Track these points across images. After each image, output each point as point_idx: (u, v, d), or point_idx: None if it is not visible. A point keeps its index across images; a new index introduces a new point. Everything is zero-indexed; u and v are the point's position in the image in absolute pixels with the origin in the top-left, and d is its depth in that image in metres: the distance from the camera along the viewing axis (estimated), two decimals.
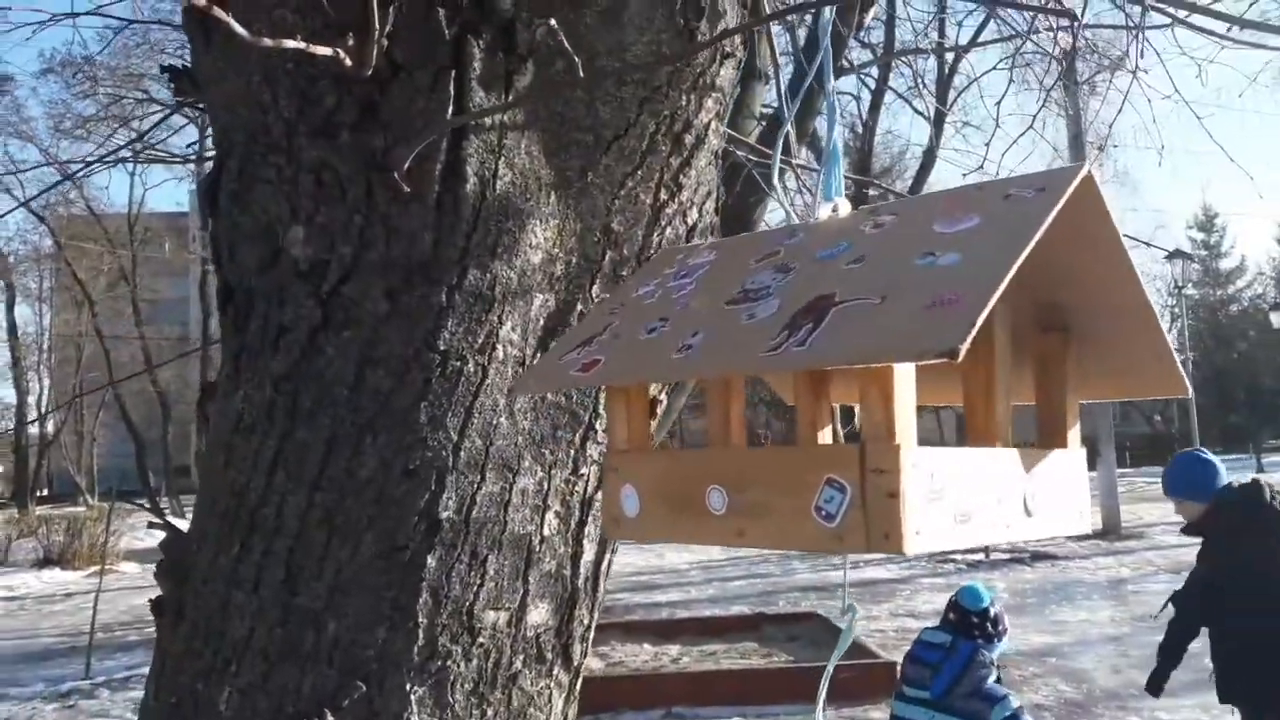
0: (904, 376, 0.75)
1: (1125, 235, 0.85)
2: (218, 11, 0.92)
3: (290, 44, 1.02)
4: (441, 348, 1.22)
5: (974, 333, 0.67)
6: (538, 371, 1.14)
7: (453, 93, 1.24)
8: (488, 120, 1.25)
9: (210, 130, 1.40)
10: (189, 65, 1.40)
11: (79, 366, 32.82)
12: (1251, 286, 44.63)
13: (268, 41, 0.99)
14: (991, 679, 3.29)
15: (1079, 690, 6.33)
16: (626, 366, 0.95)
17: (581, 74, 1.26)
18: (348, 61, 1.17)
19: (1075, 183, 0.80)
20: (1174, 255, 19.47)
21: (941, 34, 12.45)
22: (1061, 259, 0.85)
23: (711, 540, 0.89)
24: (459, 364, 1.23)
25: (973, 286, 0.72)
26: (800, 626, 9.13)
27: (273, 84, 1.24)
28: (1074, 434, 0.88)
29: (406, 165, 1.21)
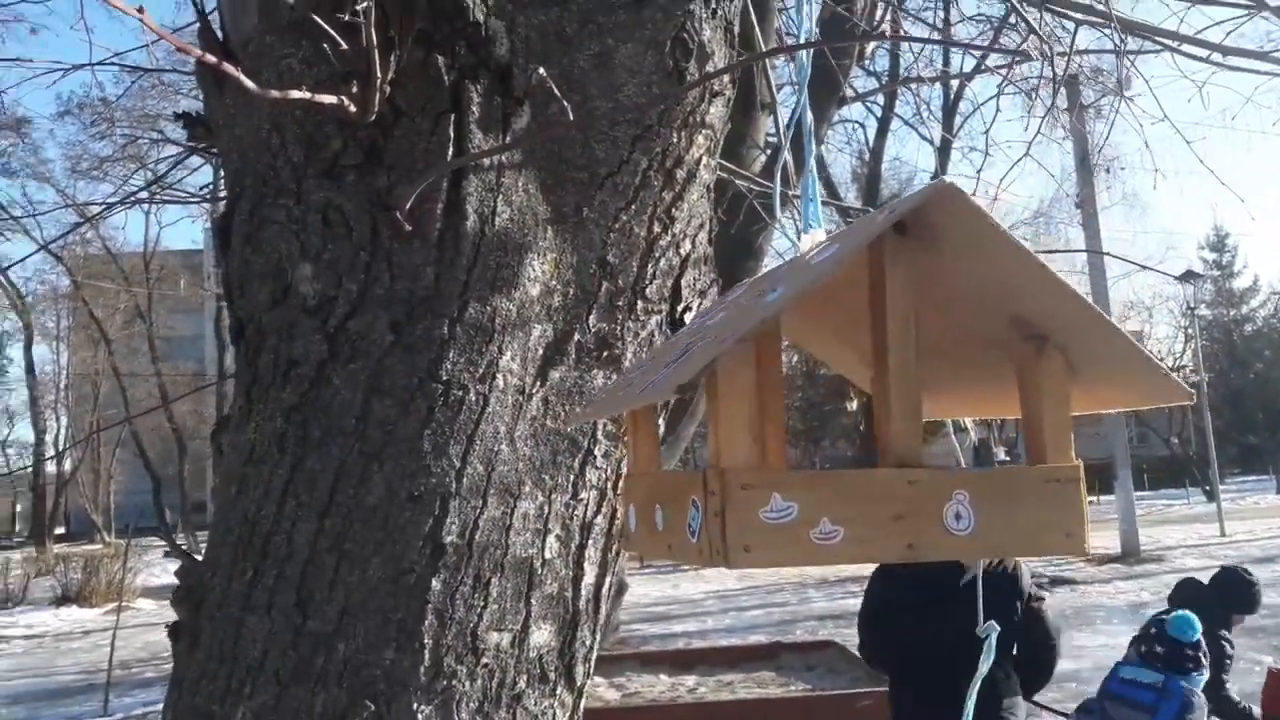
0: (729, 404, 0.82)
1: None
2: (227, 66, 0.98)
3: (296, 94, 1.08)
4: (444, 378, 1.27)
5: (699, 373, 0.78)
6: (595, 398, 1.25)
7: (452, 135, 1.30)
8: (486, 160, 1.31)
9: (223, 171, 1.46)
10: (202, 112, 1.46)
11: (96, 404, 33.06)
12: (1266, 305, 44.36)
13: (275, 93, 1.05)
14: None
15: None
16: (603, 402, 1.05)
17: (574, 115, 1.31)
18: (352, 108, 1.23)
19: (915, 202, 0.83)
20: (1185, 276, 19.40)
21: (946, 61, 12.55)
22: (989, 273, 0.88)
23: (659, 555, 1.01)
24: (461, 393, 1.28)
25: (747, 323, 0.80)
26: (818, 655, 9.07)
27: (281, 129, 1.30)
28: (1057, 449, 0.88)
29: (409, 204, 1.27)
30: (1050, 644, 3.54)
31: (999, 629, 0.96)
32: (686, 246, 1.48)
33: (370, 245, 1.29)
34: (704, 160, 1.49)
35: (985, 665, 0.99)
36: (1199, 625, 3.30)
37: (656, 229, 1.43)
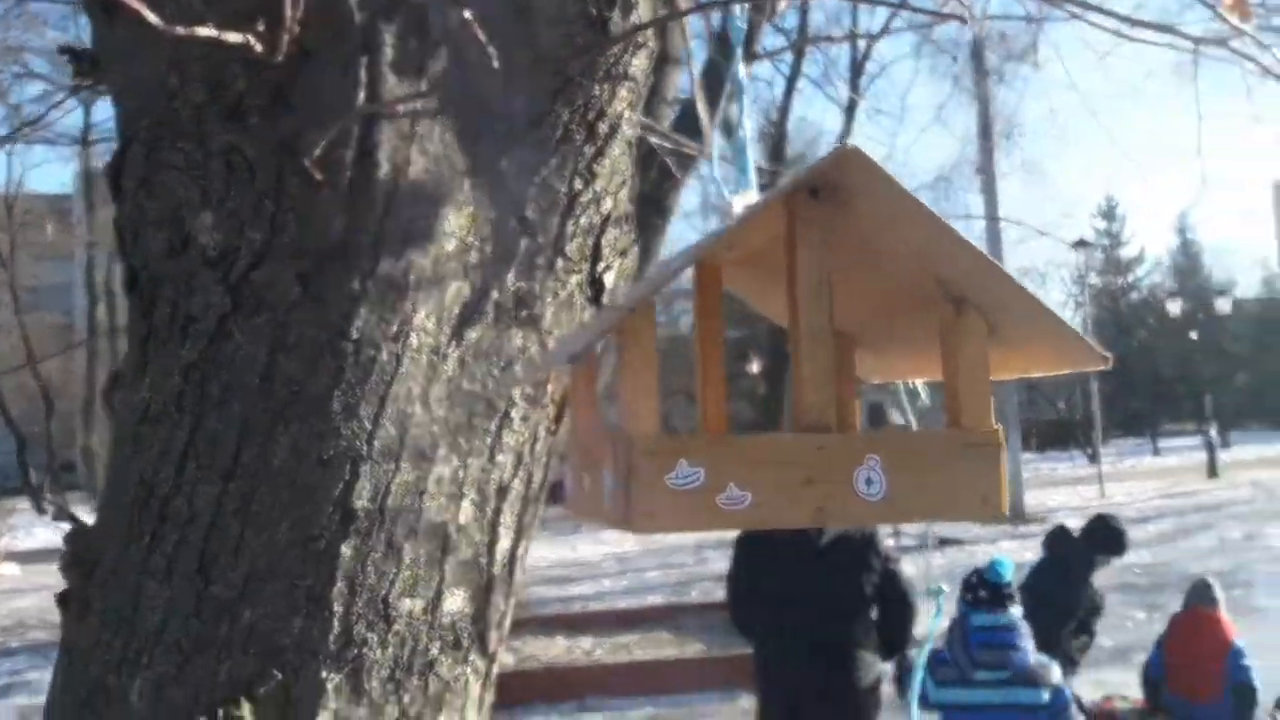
0: (636, 374, 0.81)
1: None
2: None
3: (204, 32, 1.00)
4: (355, 336, 1.22)
5: (589, 343, 0.80)
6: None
7: (364, 78, 1.24)
8: (400, 106, 1.25)
9: (100, 111, 1.36)
10: (89, 47, 1.36)
11: None
12: (1150, 275, 46.56)
13: (180, 30, 0.97)
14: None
15: None
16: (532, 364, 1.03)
17: (495, 63, 1.26)
18: (258, 47, 1.16)
19: (819, 166, 0.83)
20: (1078, 244, 20.17)
21: (854, 21, 12.70)
22: (901, 235, 0.89)
23: (585, 515, 1.01)
24: (373, 352, 1.23)
25: (642, 291, 0.79)
26: (715, 616, 9.25)
27: (181, 68, 1.21)
28: (972, 412, 0.87)
29: (318, 151, 1.21)
30: (908, 602, 3.68)
31: (946, 590, 0.97)
32: (608, 204, 1.44)
33: (275, 193, 1.22)
34: (626, 114, 1.46)
35: (936, 623, 1.00)
36: (1011, 566, 3.70)
37: (578, 185, 1.40)
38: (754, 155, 1.06)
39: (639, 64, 1.47)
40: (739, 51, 1.06)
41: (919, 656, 0.98)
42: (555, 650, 8.30)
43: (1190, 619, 5.31)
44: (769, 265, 1.05)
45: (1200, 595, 5.38)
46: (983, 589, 3.63)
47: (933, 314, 0.95)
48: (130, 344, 1.30)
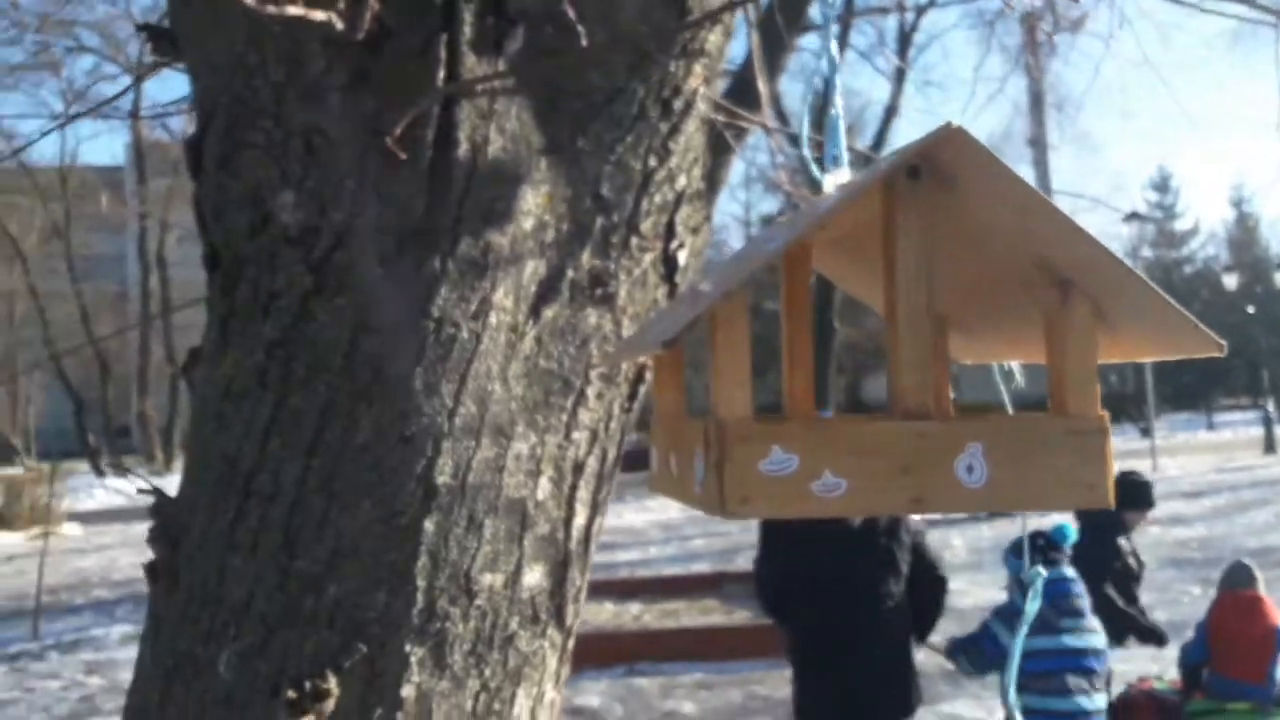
0: (725, 356, 0.80)
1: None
2: None
3: (291, 10, 1.00)
4: (435, 315, 1.23)
5: (684, 328, 0.74)
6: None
7: (444, 56, 1.23)
8: (480, 85, 1.24)
9: (193, 88, 1.37)
10: (167, 24, 1.37)
11: (12, 323, 31.95)
12: (1205, 248, 45.43)
13: (272, 8, 0.97)
14: None
15: None
16: (618, 350, 1.03)
17: (582, 40, 1.25)
18: (339, 25, 1.16)
19: (921, 146, 0.81)
20: (1131, 217, 19.77)
21: None
22: (1004, 216, 0.87)
23: (674, 496, 1.01)
24: (453, 331, 1.23)
25: (739, 275, 0.79)
26: None
27: (259, 46, 1.22)
28: (1079, 398, 0.85)
29: (399, 130, 1.21)
30: (937, 574, 3.66)
31: (1044, 575, 0.96)
32: (682, 181, 1.43)
33: (357, 173, 1.22)
34: (701, 91, 1.44)
35: (1033, 607, 0.99)
36: (1072, 532, 3.95)
37: (653, 162, 1.39)
38: (842, 131, 1.04)
39: (715, 40, 1.45)
40: (833, 26, 1.04)
41: (1014, 645, 0.97)
42: (604, 615, 8.38)
43: (1233, 601, 5.23)
44: (861, 247, 1.03)
45: (1241, 578, 5.30)
46: (1051, 550, 3.85)
47: (1032, 296, 0.93)
48: (210, 322, 1.31)
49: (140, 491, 1.32)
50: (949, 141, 0.81)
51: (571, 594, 1.36)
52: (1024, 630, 1.08)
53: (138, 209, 29.16)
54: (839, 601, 3.51)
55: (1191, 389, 39.77)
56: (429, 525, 1.20)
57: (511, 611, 1.27)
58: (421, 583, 1.20)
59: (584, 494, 1.36)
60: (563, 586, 1.34)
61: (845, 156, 1.02)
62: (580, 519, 1.36)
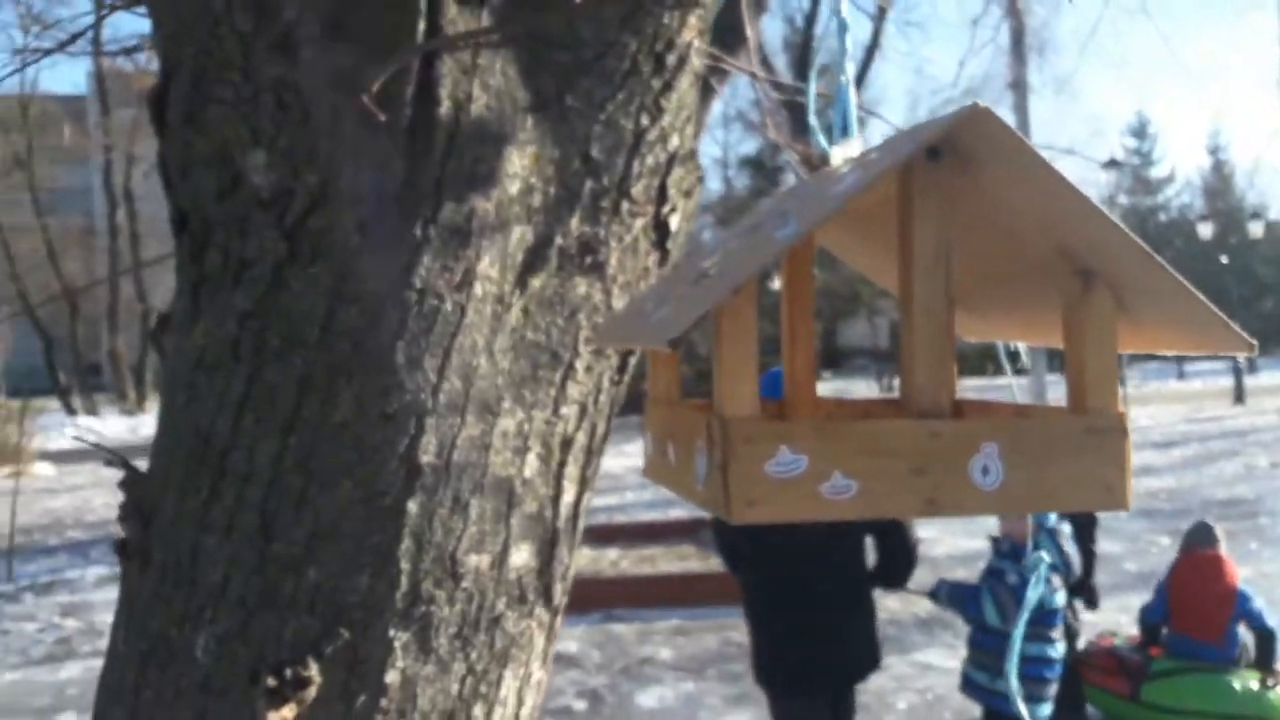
0: (734, 352, 0.76)
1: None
2: None
3: None
4: (418, 285, 1.16)
5: (692, 326, 0.71)
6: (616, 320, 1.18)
7: (424, 6, 1.15)
8: (464, 40, 1.16)
9: (155, 36, 1.28)
10: None
11: None
12: (1180, 196, 45.44)
13: None
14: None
15: None
16: (614, 328, 1.00)
17: None
18: None
19: (945, 127, 0.76)
20: (1110, 164, 19.75)
21: None
22: (1029, 200, 0.82)
23: (672, 488, 0.96)
24: (436, 302, 1.17)
25: (749, 267, 0.74)
26: None
27: None
28: (1099, 395, 0.81)
29: (376, 86, 1.13)
30: (902, 523, 3.65)
31: (1047, 560, 0.93)
32: (675, 141, 1.36)
33: (331, 133, 1.14)
34: (695, 44, 1.37)
35: (1034, 594, 0.96)
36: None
37: (645, 121, 1.31)
38: (853, 97, 0.98)
39: None
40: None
41: (1016, 632, 0.95)
42: (581, 561, 8.41)
43: (1193, 561, 5.28)
44: (871, 224, 0.98)
45: (1202, 537, 5.35)
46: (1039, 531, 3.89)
47: (1051, 283, 0.88)
48: (180, 287, 1.24)
49: (107, 464, 1.26)
50: (973, 122, 0.76)
51: (559, 572, 1.32)
52: (1024, 618, 1.06)
53: (102, 141, 28.45)
54: (798, 555, 3.50)
55: None
56: (413, 506, 1.15)
57: (498, 593, 1.23)
58: (405, 565, 1.15)
59: (572, 470, 1.31)
60: (550, 565, 1.29)
61: (855, 127, 0.96)
62: (569, 496, 1.31)
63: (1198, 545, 5.33)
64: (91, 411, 26.42)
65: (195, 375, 1.20)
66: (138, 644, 1.20)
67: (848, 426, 0.78)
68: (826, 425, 0.78)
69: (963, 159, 0.80)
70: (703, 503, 0.81)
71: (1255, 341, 0.80)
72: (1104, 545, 8.94)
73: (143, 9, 1.28)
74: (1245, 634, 5.13)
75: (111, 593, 8.64)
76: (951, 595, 4.11)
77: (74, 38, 1.93)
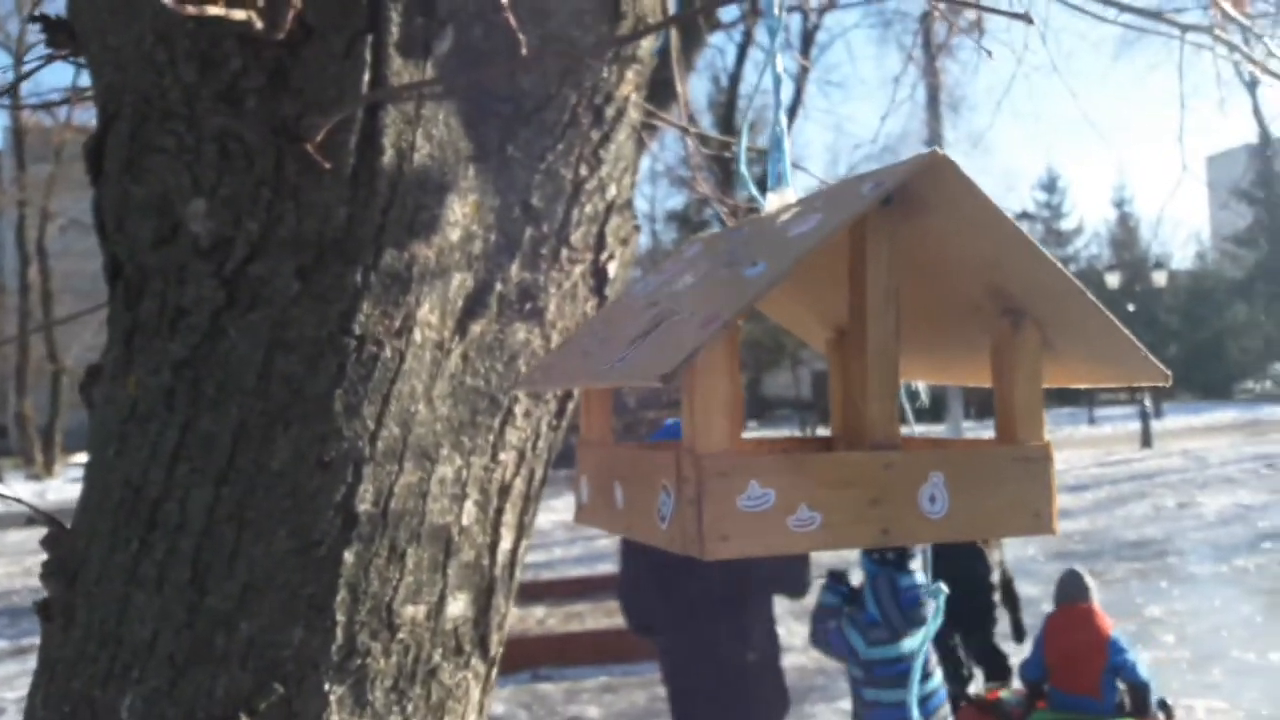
0: (707, 388, 0.77)
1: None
2: None
3: (212, 10, 0.93)
4: (357, 332, 1.16)
5: (685, 361, 0.71)
6: (542, 365, 1.17)
7: (369, 58, 1.17)
8: (407, 91, 1.18)
9: (93, 84, 1.27)
10: (64, 16, 1.26)
11: None
12: (1088, 247, 47.08)
13: (190, 8, 0.89)
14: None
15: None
16: (556, 369, 1.02)
17: (515, 38, 1.20)
18: (258, 23, 1.08)
19: (908, 174, 0.80)
20: (1021, 217, 20.49)
21: None
22: (972, 245, 0.86)
23: (618, 531, 0.96)
24: (375, 349, 1.17)
25: (731, 305, 0.76)
26: None
27: (169, 44, 1.13)
28: (1028, 426, 0.86)
29: (321, 136, 1.14)
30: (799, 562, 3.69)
31: (945, 591, 0.95)
32: (612, 191, 1.39)
33: (274, 180, 1.14)
34: (633, 97, 1.40)
35: (935, 625, 0.98)
36: None
37: (583, 171, 1.34)
38: (787, 149, 1.02)
39: (647, 44, 1.41)
40: (776, 44, 1.02)
41: (916, 662, 0.98)
42: (509, 619, 8.27)
43: (1065, 615, 5.24)
44: (799, 271, 1.01)
45: (1072, 590, 5.30)
46: (891, 551, 3.92)
47: (972, 323, 0.93)
48: (111, 336, 1.22)
49: (30, 521, 1.22)
50: (932, 169, 0.80)
51: (496, 621, 1.31)
52: (926, 646, 1.09)
53: (16, 195, 27.64)
54: (709, 613, 3.51)
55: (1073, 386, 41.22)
56: (349, 556, 1.14)
57: (435, 644, 1.21)
58: (341, 617, 1.14)
59: (510, 517, 1.31)
60: (487, 614, 1.28)
61: (790, 176, 1.00)
62: (506, 543, 1.31)
63: (1068, 599, 5.29)
64: None
65: (127, 426, 1.17)
66: (59, 707, 1.15)
67: (811, 459, 0.80)
68: (792, 458, 0.80)
69: (911, 203, 0.84)
70: (667, 542, 0.81)
71: (1169, 371, 0.85)
72: (1022, 587, 9.13)
73: (71, 59, 1.27)
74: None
75: (12, 668, 8.23)
76: (820, 635, 4.19)
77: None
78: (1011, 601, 5.92)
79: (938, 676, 4.10)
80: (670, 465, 0.80)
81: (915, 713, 1.18)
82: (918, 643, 3.81)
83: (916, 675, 1.16)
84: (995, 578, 5.66)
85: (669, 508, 0.81)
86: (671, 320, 0.84)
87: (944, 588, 1.01)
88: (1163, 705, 5.08)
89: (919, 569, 3.98)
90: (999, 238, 0.82)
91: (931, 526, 0.81)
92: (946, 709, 4.14)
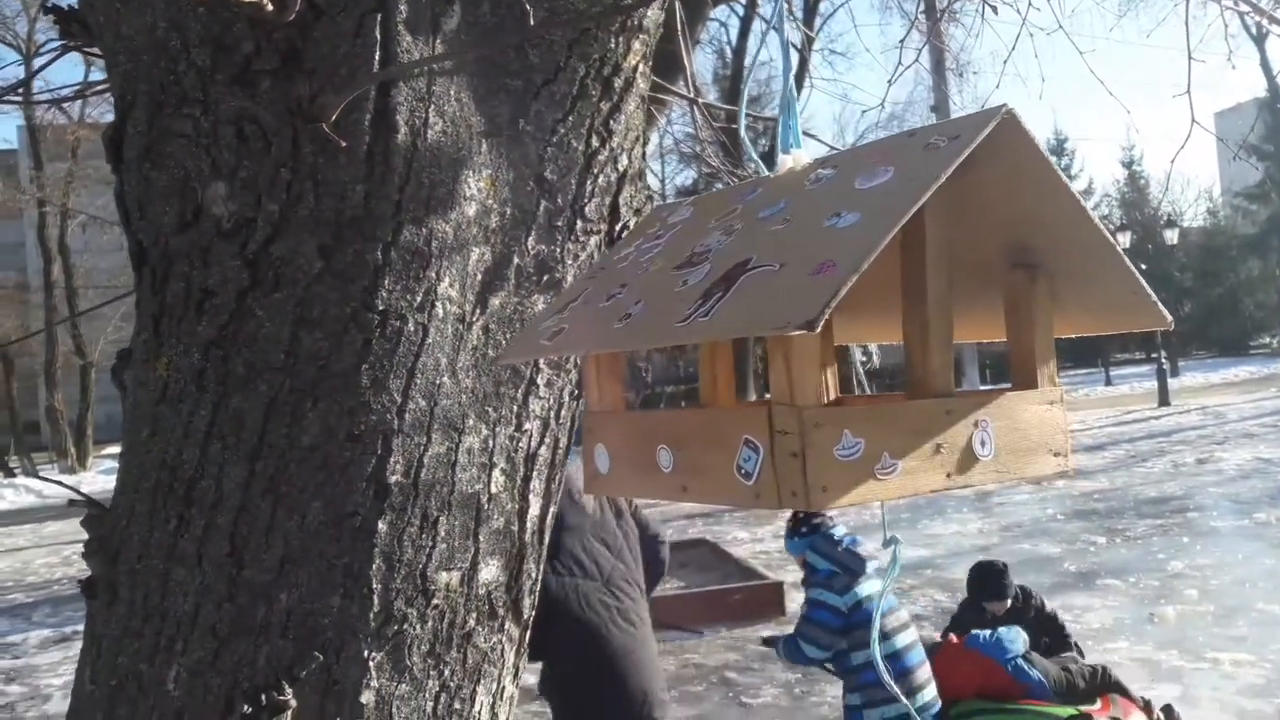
0: (802, 342, 0.78)
1: None
2: None
3: None
4: (380, 307, 1.18)
5: (834, 304, 0.70)
6: (519, 339, 1.16)
7: (379, 37, 1.18)
8: (418, 68, 1.19)
9: (109, 74, 1.29)
10: (75, 7, 1.28)
11: None
12: (1099, 208, 46.69)
13: None
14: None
15: (954, 599, 6.71)
16: (579, 336, 0.99)
17: (509, 17, 1.21)
18: (268, 6, 1.10)
19: (988, 128, 0.80)
20: None
21: None
22: (1011, 199, 0.88)
23: (662, 495, 0.96)
24: (399, 323, 1.19)
25: (850, 253, 0.75)
26: (689, 553, 9.34)
27: (182, 30, 1.15)
28: (1045, 373, 0.89)
29: (335, 115, 1.15)
30: (652, 534, 3.68)
31: (901, 540, 0.97)
32: (624, 161, 1.41)
33: (292, 161, 1.17)
34: (641, 68, 1.41)
35: (893, 574, 1.00)
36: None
37: (595, 142, 1.36)
38: (797, 112, 1.03)
39: (653, 15, 1.42)
40: (780, 5, 1.03)
41: (875, 609, 1.00)
42: None
43: (948, 651, 4.56)
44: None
45: (993, 588, 4.93)
46: (804, 524, 3.96)
47: (976, 278, 0.94)
48: (140, 320, 1.25)
49: (72, 503, 1.26)
50: (1003, 128, 0.81)
51: (527, 586, 1.34)
52: (879, 602, 1.11)
53: (35, 194, 27.74)
54: (589, 643, 3.47)
55: (1090, 344, 41.21)
56: (382, 525, 1.17)
57: (469, 609, 1.24)
58: (377, 585, 1.16)
59: (537, 485, 1.33)
60: (518, 579, 1.31)
61: (801, 138, 1.01)
62: (534, 510, 1.33)
63: (957, 629, 4.84)
64: (30, 471, 25.57)
65: (159, 408, 1.20)
66: (106, 681, 1.19)
67: (890, 408, 0.82)
68: (874, 408, 0.82)
69: (970, 160, 0.84)
70: (753, 498, 0.81)
71: (1170, 316, 0.87)
72: (1043, 547, 9.17)
73: (84, 50, 1.29)
74: (1048, 665, 4.57)
75: (55, 655, 8.36)
76: (782, 644, 4.15)
77: (9, 89, 1.92)
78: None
79: (931, 689, 4.00)
80: (759, 420, 0.80)
81: (883, 669, 1.18)
82: (877, 589, 3.80)
83: (877, 620, 1.18)
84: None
85: (754, 463, 0.81)
86: (753, 273, 0.81)
87: (899, 537, 1.02)
88: (1167, 710, 4.91)
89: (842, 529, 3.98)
90: (1047, 192, 0.84)
91: (982, 469, 0.84)
92: None
